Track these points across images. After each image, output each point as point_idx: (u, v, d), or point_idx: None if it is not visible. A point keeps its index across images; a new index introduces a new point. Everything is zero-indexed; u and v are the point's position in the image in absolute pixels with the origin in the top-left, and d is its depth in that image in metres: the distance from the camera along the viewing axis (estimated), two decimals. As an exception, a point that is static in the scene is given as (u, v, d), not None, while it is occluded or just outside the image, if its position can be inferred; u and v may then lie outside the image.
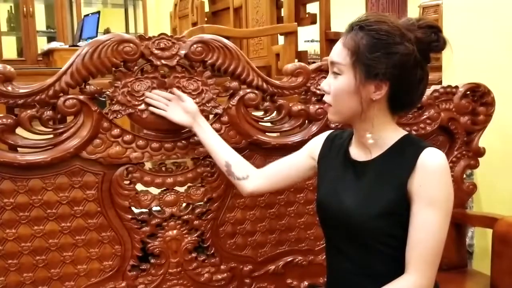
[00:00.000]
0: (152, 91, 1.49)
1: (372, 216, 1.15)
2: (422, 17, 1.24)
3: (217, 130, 1.55)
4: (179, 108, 1.48)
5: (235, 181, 1.46)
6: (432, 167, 1.12)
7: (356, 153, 1.26)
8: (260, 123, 1.62)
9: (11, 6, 6.29)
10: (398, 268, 1.14)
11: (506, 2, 2.15)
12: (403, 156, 1.16)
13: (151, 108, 1.48)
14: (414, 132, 1.73)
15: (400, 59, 1.12)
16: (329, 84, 1.21)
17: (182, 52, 1.49)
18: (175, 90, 1.49)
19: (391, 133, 1.21)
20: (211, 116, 1.59)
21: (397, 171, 1.15)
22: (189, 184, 1.57)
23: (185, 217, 1.56)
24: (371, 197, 1.17)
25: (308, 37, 8.12)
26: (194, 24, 4.32)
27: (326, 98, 1.23)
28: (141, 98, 1.47)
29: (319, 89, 1.64)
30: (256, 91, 1.57)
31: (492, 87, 1.84)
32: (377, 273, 1.18)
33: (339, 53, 1.18)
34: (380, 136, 1.20)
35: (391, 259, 1.16)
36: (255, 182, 1.43)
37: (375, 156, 1.21)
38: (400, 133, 1.22)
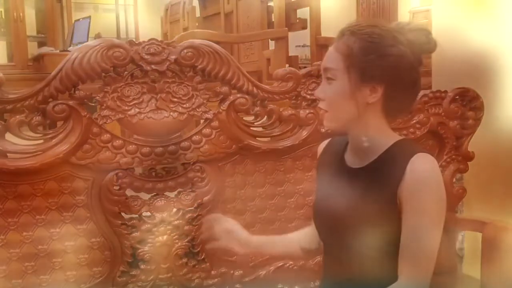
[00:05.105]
0: None
1: (364, 223, 1.14)
2: (411, 21, 1.24)
3: (208, 135, 1.55)
4: None
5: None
6: (420, 174, 1.11)
7: (351, 159, 1.24)
8: (250, 128, 1.62)
9: (1, 11, 6.25)
10: (390, 275, 1.14)
11: (495, 7, 2.17)
12: (394, 163, 1.15)
13: None
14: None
15: (394, 61, 1.12)
16: (323, 91, 1.19)
17: (172, 57, 1.49)
18: None
19: (385, 138, 1.19)
20: (201, 121, 1.59)
21: (387, 178, 1.15)
22: (179, 189, 1.57)
23: (176, 222, 1.56)
24: (362, 204, 1.16)
25: (299, 42, 8.13)
26: (185, 29, 4.32)
27: (321, 105, 1.20)
28: (131, 103, 1.47)
29: (309, 94, 1.65)
30: (247, 96, 1.57)
31: (481, 91, 1.85)
32: (369, 279, 1.17)
33: (332, 58, 1.17)
34: (375, 141, 1.19)
35: (383, 266, 1.16)
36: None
37: (368, 163, 1.20)
38: (394, 138, 1.21)
